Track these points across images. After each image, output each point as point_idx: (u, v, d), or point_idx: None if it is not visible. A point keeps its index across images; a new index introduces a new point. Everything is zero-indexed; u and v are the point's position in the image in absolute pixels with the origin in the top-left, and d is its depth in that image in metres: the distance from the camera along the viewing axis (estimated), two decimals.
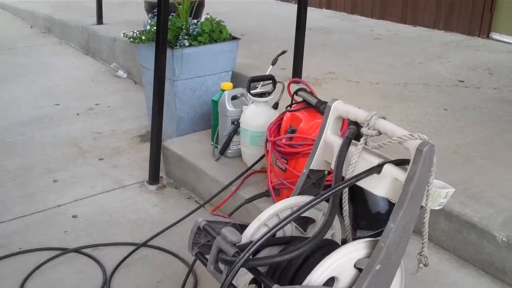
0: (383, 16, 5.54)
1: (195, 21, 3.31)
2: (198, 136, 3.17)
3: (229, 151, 2.84)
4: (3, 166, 3.25)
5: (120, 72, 4.87)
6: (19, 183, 3.04)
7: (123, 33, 3.35)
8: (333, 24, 5.38)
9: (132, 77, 4.80)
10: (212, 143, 2.93)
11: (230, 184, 2.58)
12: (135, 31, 3.26)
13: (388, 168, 1.50)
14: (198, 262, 2.12)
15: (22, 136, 3.66)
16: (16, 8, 7.65)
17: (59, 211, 2.76)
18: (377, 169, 1.51)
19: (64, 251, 2.42)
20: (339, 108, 1.69)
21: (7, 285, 2.22)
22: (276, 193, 2.33)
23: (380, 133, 1.54)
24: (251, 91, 2.63)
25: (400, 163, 1.51)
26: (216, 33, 3.29)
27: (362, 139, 1.58)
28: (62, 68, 5.19)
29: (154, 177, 2.97)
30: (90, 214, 2.73)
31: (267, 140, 2.33)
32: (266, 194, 2.39)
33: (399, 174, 1.46)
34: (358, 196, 2.15)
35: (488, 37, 4.72)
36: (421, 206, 1.47)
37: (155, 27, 3.00)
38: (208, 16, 3.36)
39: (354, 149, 1.58)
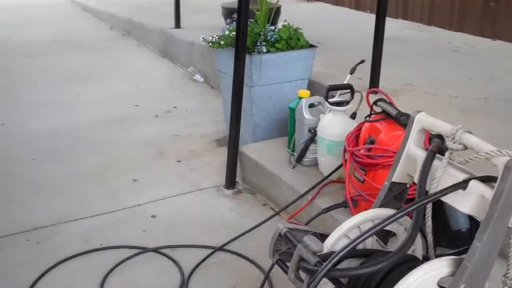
0: (461, 28, 5.41)
1: (272, 27, 3.33)
2: (274, 142, 3.20)
3: (306, 159, 2.84)
4: (84, 163, 3.37)
5: (197, 76, 4.95)
6: (100, 180, 3.15)
7: (203, 38, 3.42)
8: (409, 35, 5.31)
9: (209, 82, 4.87)
10: (289, 150, 2.95)
11: (307, 192, 2.59)
12: (214, 36, 3.32)
13: (474, 185, 1.47)
14: (273, 270, 2.15)
15: (103, 135, 3.79)
16: (97, 11, 7.91)
17: (139, 210, 2.84)
18: (463, 185, 1.49)
19: (144, 250, 2.49)
20: (423, 120, 1.67)
21: (88, 279, 2.31)
22: (354, 204, 2.32)
23: (465, 147, 1.52)
24: (329, 100, 2.63)
25: (486, 179, 1.49)
26: (293, 40, 3.31)
27: (447, 153, 1.56)
28: (141, 70, 5.33)
29: (230, 182, 3.01)
30: (168, 215, 2.79)
31: (345, 150, 2.33)
32: (343, 205, 2.38)
33: (486, 191, 1.44)
34: (438, 212, 2.12)
35: None
36: (508, 227, 1.44)
37: (233, 33, 3.04)
38: (286, 23, 3.38)
39: (439, 163, 1.57)
